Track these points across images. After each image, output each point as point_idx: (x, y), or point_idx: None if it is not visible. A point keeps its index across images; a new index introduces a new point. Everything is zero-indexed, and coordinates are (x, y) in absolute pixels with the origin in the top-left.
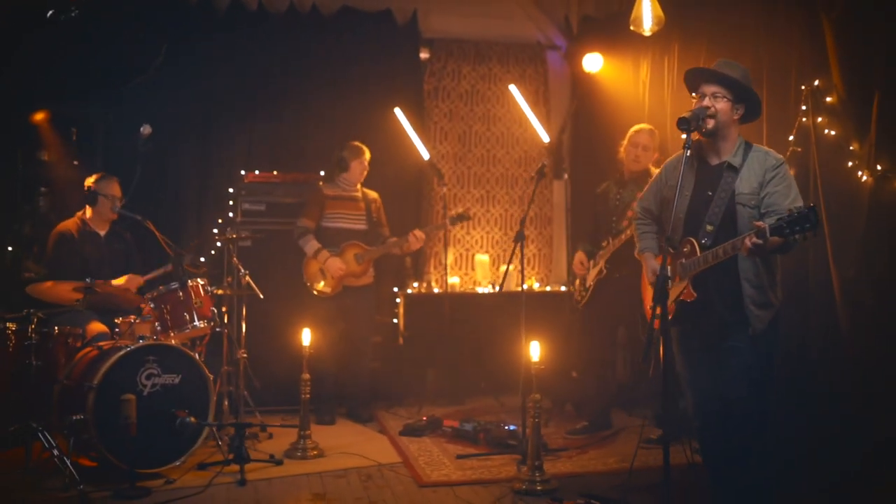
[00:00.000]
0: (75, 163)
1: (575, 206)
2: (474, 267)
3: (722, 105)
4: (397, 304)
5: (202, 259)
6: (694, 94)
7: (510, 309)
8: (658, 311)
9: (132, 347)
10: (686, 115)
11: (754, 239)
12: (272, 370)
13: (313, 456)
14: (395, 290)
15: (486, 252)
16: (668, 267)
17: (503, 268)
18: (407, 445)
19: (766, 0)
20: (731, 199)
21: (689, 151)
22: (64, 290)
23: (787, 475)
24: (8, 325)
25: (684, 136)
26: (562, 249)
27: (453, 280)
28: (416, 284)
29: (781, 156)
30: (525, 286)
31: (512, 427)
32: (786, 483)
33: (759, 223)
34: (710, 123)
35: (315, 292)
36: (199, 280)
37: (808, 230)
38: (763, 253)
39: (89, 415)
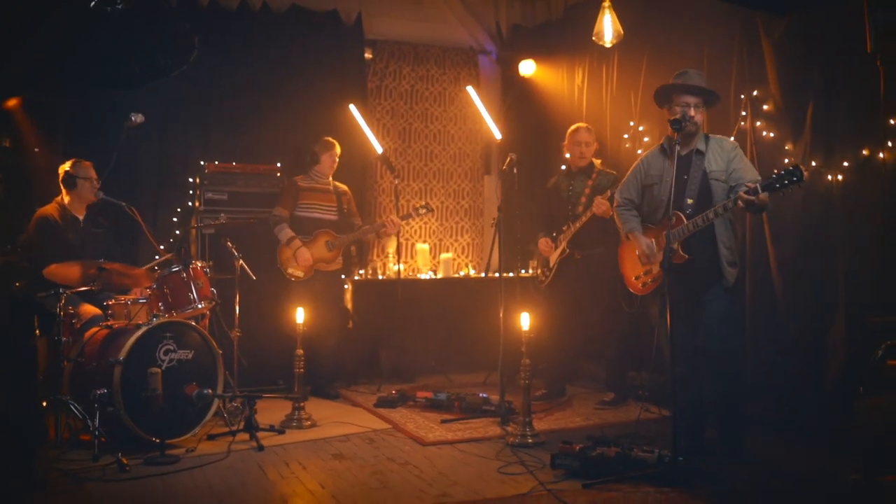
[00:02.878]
0: (36, 150)
1: (507, 195)
2: (414, 255)
3: (700, 115)
4: (346, 289)
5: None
6: (675, 106)
7: (454, 294)
8: (648, 278)
9: (154, 324)
10: (677, 117)
11: (748, 196)
12: (249, 351)
13: (308, 426)
14: (343, 276)
15: (425, 241)
16: (654, 241)
17: (445, 255)
18: (388, 415)
19: (708, 18)
20: (704, 177)
21: (679, 147)
22: (72, 271)
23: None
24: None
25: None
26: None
27: (399, 267)
28: (361, 272)
29: (733, 141)
30: (498, 273)
31: (483, 395)
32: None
33: (750, 183)
34: (692, 128)
35: (288, 276)
36: (198, 262)
37: (796, 183)
38: (751, 208)
39: (116, 388)
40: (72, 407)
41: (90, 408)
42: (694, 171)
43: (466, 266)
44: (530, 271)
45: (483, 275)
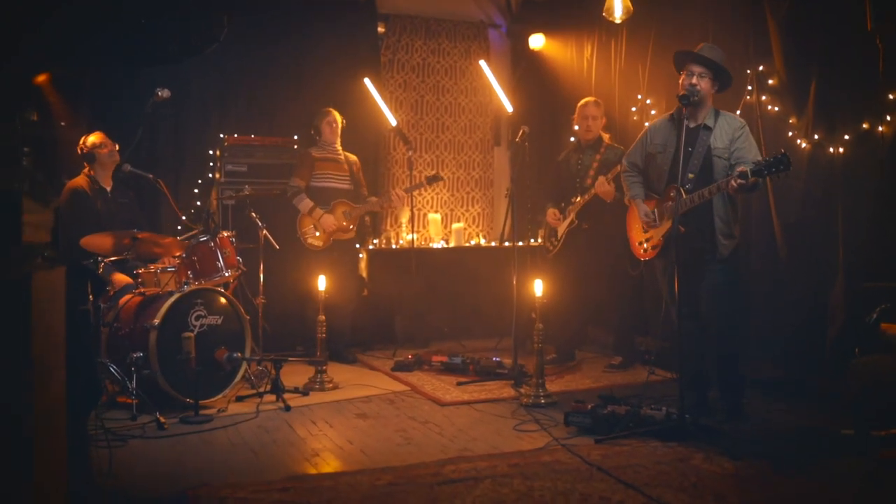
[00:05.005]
0: (63, 123)
1: (514, 167)
2: (426, 225)
3: (705, 83)
4: (360, 258)
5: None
6: (682, 71)
7: (465, 262)
8: (648, 245)
9: (185, 291)
10: (684, 92)
11: (739, 180)
12: (270, 318)
13: (330, 388)
14: (357, 245)
15: (437, 211)
16: (655, 210)
17: (456, 225)
18: (407, 378)
19: None
20: (708, 153)
21: (687, 121)
22: (106, 241)
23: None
24: None
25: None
26: (501, 209)
27: (413, 236)
28: (375, 241)
29: (743, 120)
30: (508, 242)
31: (496, 359)
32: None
33: (742, 168)
34: (697, 97)
35: (308, 245)
36: (225, 232)
37: (783, 170)
38: (744, 191)
39: (152, 352)
40: (111, 369)
41: (127, 371)
42: (699, 145)
43: (477, 235)
44: (539, 240)
45: (495, 244)
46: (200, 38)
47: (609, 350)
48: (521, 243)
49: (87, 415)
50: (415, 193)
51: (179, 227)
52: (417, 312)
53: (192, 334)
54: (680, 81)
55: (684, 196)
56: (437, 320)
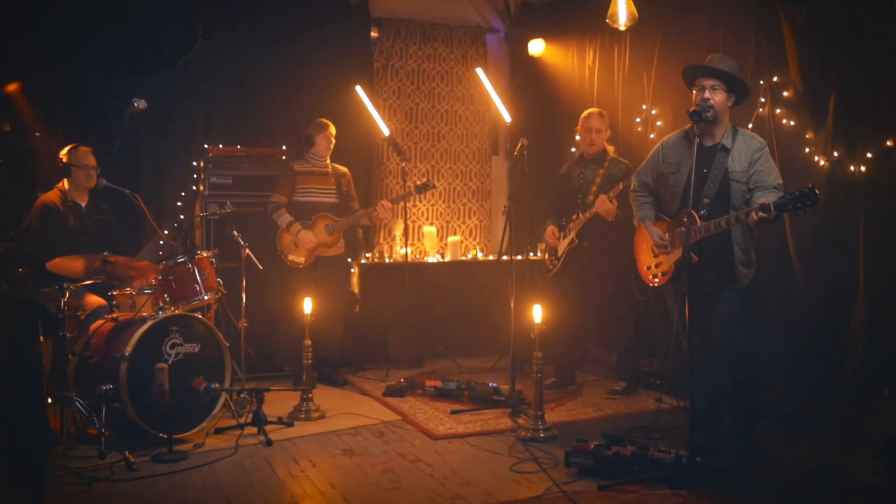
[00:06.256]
0: (37, 134)
1: (513, 180)
2: (421, 238)
3: (719, 97)
4: (352, 273)
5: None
6: (694, 89)
7: (462, 277)
8: (658, 271)
9: (159, 318)
10: (695, 108)
11: (760, 213)
12: (253, 339)
13: (317, 417)
14: (350, 260)
15: (432, 223)
16: (666, 234)
17: (452, 238)
18: (397, 405)
19: (725, 1)
20: (725, 176)
21: (697, 139)
22: (76, 264)
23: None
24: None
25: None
26: (499, 222)
27: (406, 250)
28: (367, 255)
29: (763, 139)
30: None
31: (493, 384)
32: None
33: (763, 200)
34: (710, 113)
35: (289, 263)
36: (204, 252)
37: (810, 206)
38: (765, 224)
39: (122, 384)
40: (77, 404)
41: (96, 403)
42: (716, 167)
43: (474, 248)
44: (539, 254)
45: (492, 257)
46: (174, 49)
47: (611, 371)
48: (519, 257)
49: (41, 462)
50: (409, 205)
51: (162, 242)
52: (412, 330)
53: (165, 365)
54: (693, 97)
55: (699, 222)
56: (433, 338)
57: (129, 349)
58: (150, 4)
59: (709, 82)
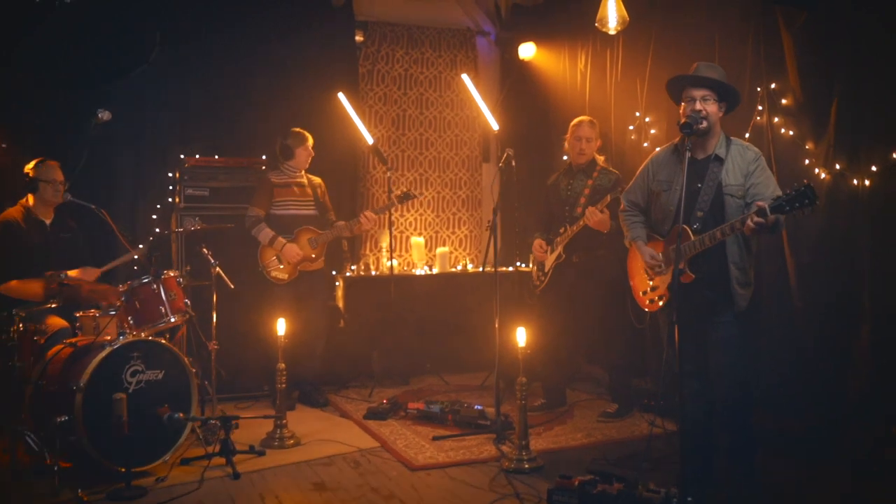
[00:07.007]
0: (3, 146)
1: (504, 188)
2: (409, 249)
3: (711, 107)
4: (337, 287)
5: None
6: (680, 101)
7: (450, 289)
8: (654, 295)
9: (118, 345)
10: (686, 120)
11: (756, 218)
12: (228, 357)
13: (291, 445)
14: (334, 273)
15: (420, 234)
16: (660, 254)
17: (441, 249)
18: (378, 429)
19: (720, 4)
20: (719, 190)
21: (693, 152)
22: (34, 287)
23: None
24: None
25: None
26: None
27: (392, 262)
28: (353, 267)
29: (757, 149)
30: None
31: (478, 407)
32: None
33: (760, 203)
34: (704, 124)
35: (271, 279)
36: (171, 272)
37: (808, 206)
38: (763, 231)
39: (78, 416)
40: (28, 439)
41: (51, 435)
42: (709, 180)
43: (464, 259)
44: (530, 265)
45: (483, 269)
46: (128, 60)
47: (605, 389)
48: (511, 269)
49: None
50: (396, 215)
51: (136, 256)
52: (397, 345)
53: (124, 395)
54: (681, 110)
55: (692, 237)
56: (420, 354)
57: (84, 379)
58: (110, 14)
59: (699, 93)
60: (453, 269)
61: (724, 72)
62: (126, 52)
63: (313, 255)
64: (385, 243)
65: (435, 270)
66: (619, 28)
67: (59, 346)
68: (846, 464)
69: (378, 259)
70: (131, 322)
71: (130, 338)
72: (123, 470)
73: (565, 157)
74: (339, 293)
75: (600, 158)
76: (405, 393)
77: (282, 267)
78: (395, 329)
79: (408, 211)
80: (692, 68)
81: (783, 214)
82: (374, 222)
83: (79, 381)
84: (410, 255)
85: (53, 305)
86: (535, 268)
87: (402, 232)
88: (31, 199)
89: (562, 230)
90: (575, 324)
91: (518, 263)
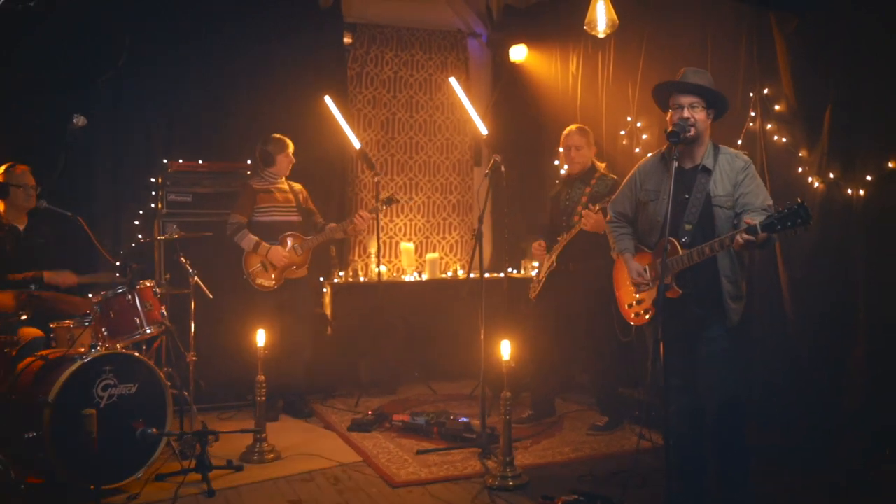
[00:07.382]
0: None
1: (494, 194)
2: (398, 255)
3: (700, 114)
4: (324, 293)
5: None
6: (667, 109)
7: (440, 296)
8: (640, 308)
9: (88, 358)
10: (673, 128)
11: (745, 236)
12: (211, 366)
13: (271, 459)
14: (322, 279)
15: (410, 239)
16: (647, 268)
17: (431, 255)
18: (360, 442)
19: (713, 7)
20: (708, 201)
21: (676, 162)
22: (4, 298)
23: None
24: None
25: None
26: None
27: (381, 269)
28: (341, 274)
29: (747, 156)
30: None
31: (464, 419)
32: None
33: (750, 220)
34: (692, 132)
35: (256, 286)
36: (146, 282)
37: (800, 225)
38: (753, 248)
39: (45, 432)
40: None
41: (19, 452)
42: (697, 191)
43: (454, 265)
44: (522, 271)
45: (473, 275)
46: (95, 65)
47: (594, 400)
48: (502, 275)
49: None
50: (386, 220)
51: (118, 263)
52: (385, 354)
53: (93, 411)
54: (668, 118)
55: (680, 251)
56: (408, 362)
57: (52, 394)
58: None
59: (687, 100)
60: (443, 276)
61: (712, 78)
62: (95, 57)
63: (299, 261)
64: (374, 249)
65: (425, 277)
66: (608, 31)
67: (30, 359)
68: (840, 473)
69: (367, 265)
70: (105, 334)
71: (103, 350)
72: (93, 487)
73: (556, 162)
74: (327, 300)
75: (601, 165)
76: (392, 403)
77: (268, 272)
78: (384, 337)
79: (397, 216)
80: (679, 74)
81: (773, 232)
82: (369, 222)
83: (47, 396)
84: (400, 261)
85: (24, 317)
86: (535, 271)
87: (391, 237)
88: (1, 205)
89: (559, 239)
90: (566, 334)
91: (510, 269)
